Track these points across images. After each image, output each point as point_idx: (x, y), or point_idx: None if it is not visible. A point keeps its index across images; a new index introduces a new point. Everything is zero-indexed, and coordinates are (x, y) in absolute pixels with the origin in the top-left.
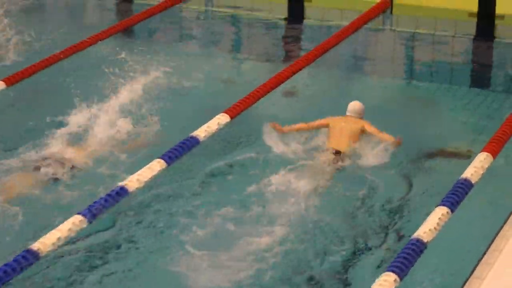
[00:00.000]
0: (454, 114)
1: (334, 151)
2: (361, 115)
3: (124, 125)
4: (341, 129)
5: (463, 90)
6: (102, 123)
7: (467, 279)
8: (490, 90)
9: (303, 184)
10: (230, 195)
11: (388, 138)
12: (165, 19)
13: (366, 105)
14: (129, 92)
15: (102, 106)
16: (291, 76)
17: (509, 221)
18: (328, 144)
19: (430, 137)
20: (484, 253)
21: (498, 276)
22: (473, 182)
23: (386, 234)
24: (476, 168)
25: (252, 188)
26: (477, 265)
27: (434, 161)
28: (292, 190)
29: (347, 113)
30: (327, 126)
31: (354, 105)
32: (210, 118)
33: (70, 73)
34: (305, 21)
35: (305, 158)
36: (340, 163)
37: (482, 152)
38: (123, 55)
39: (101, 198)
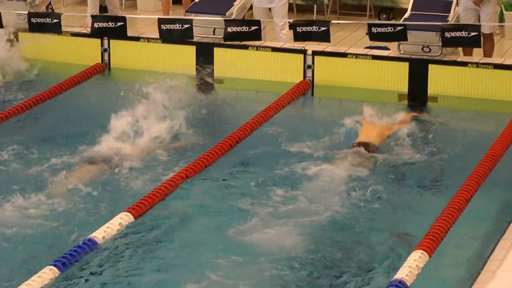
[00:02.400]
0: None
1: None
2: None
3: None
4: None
5: (392, 187)
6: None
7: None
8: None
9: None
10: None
11: None
12: None
13: None
14: None
15: None
16: (203, 168)
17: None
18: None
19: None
20: None
21: None
22: (408, 284)
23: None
24: (410, 268)
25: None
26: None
27: None
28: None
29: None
30: None
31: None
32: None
33: None
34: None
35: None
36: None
37: (416, 250)
38: None
39: None
